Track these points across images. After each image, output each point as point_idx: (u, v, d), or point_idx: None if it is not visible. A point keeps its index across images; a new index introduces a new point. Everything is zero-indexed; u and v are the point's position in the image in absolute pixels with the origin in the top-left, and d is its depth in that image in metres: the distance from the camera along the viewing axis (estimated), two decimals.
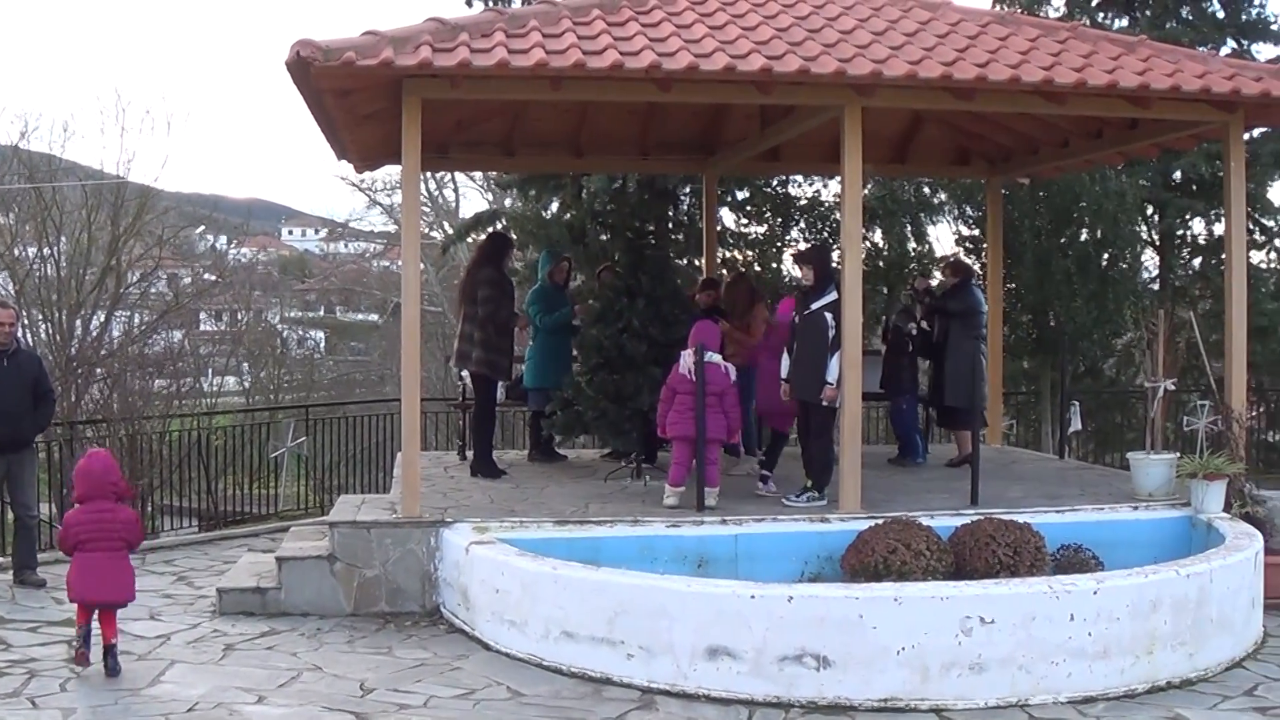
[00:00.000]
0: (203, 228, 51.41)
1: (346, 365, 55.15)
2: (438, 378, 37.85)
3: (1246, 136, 14.11)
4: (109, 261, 31.16)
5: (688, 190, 23.53)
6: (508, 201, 31.04)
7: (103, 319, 30.24)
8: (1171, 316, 15.27)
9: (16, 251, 31.60)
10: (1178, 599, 9.98)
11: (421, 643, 10.90)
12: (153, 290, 34.30)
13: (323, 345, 58.58)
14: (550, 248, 18.04)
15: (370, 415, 22.16)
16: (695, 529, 11.86)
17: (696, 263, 21.22)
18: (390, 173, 36.81)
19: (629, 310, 14.30)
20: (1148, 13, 26.98)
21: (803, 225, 25.77)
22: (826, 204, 25.31)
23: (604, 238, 22.07)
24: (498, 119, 16.71)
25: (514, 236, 21.77)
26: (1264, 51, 27.09)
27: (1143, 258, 27.13)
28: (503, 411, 18.31)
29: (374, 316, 58.51)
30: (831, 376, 12.62)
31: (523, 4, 13.45)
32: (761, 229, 26.03)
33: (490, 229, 24.79)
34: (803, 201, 25.68)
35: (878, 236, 25.52)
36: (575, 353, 15.79)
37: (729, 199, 24.85)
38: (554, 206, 24.95)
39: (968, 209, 25.63)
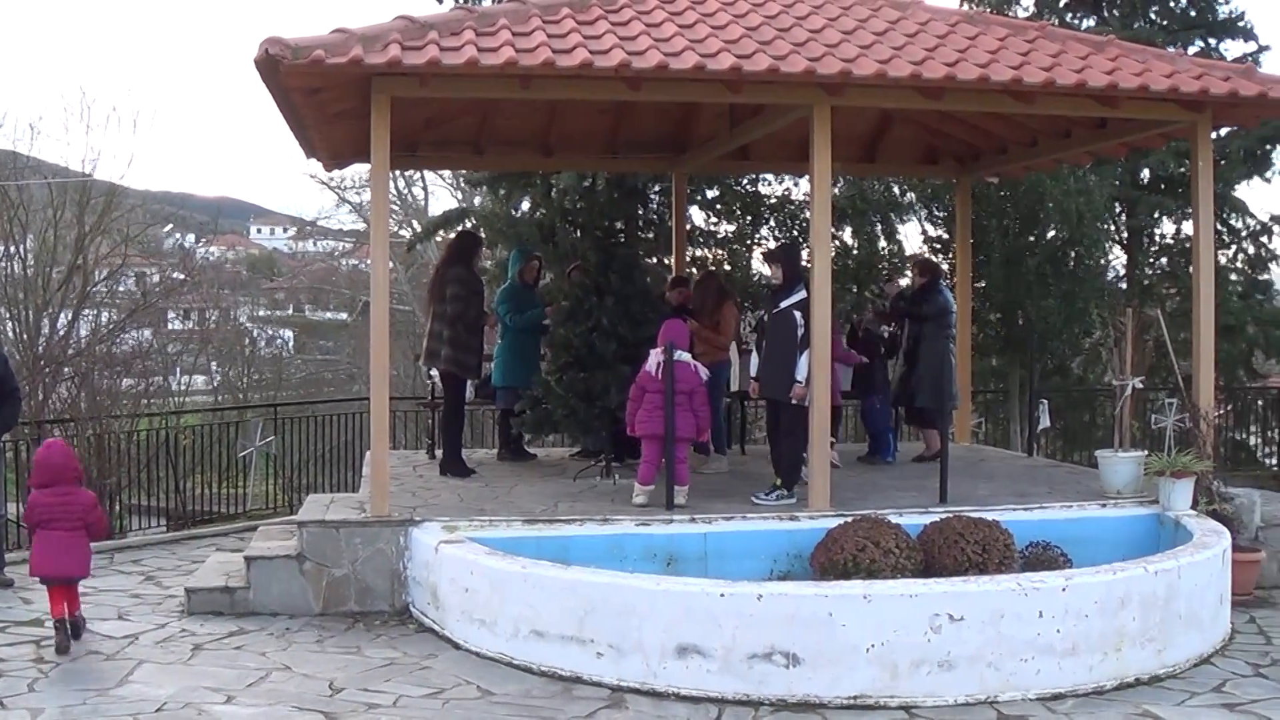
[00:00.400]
0: (170, 226, 51.21)
1: (315, 364, 55.01)
2: (407, 376, 37.78)
3: (1214, 136, 14.14)
4: (76, 260, 31.01)
5: (657, 189, 23.52)
6: (477, 200, 31.00)
7: (70, 318, 30.09)
8: (1139, 315, 15.36)
9: None
10: (1146, 596, 10.01)
11: (391, 642, 10.88)
12: (120, 289, 34.13)
13: (291, 344, 58.38)
14: (521, 247, 18.03)
15: (339, 414, 22.12)
16: (665, 527, 11.86)
17: (666, 261, 21.21)
18: (359, 171, 36.69)
19: (598, 309, 14.31)
20: (1115, 12, 27.09)
21: (772, 224, 25.78)
22: (796, 203, 25.32)
23: (574, 236, 22.05)
24: (467, 117, 16.69)
25: (483, 235, 21.74)
26: (1232, 49, 27.25)
27: (1110, 256, 27.23)
28: (472, 410, 18.29)
29: (343, 315, 58.37)
30: (800, 375, 12.66)
31: (493, 2, 13.43)
32: (731, 228, 26.04)
33: (459, 227, 24.80)
34: (772, 200, 25.69)
35: (847, 235, 25.53)
36: (544, 351, 15.80)
37: (699, 198, 24.85)
38: (524, 205, 24.94)
39: (936, 208, 25.69)
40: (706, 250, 25.72)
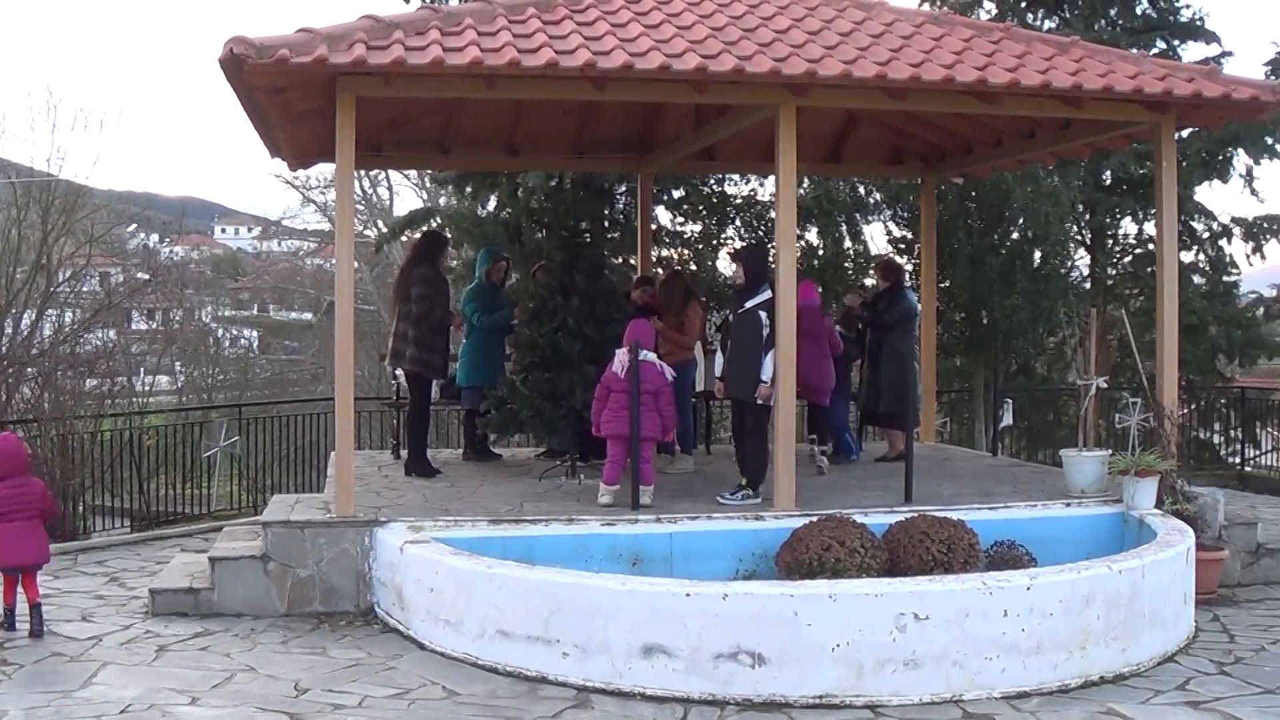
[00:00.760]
0: (135, 225, 51.03)
1: (280, 364, 54.89)
2: (372, 376, 37.73)
3: (1176, 137, 14.20)
4: (39, 259, 30.88)
5: (624, 189, 23.54)
6: (442, 199, 30.96)
7: (33, 318, 29.95)
8: (1103, 315, 15.43)
9: None
10: (1110, 595, 10.05)
11: (356, 643, 10.85)
12: (84, 289, 34.00)
13: (256, 344, 58.26)
14: (489, 247, 18.00)
15: (304, 414, 22.05)
16: (630, 527, 11.87)
17: (632, 261, 21.22)
18: (324, 170, 36.66)
19: (563, 309, 14.30)
20: (1076, 13, 27.17)
21: (738, 224, 25.80)
22: (762, 203, 25.35)
23: (539, 236, 22.04)
24: (432, 117, 16.67)
25: (449, 234, 21.72)
26: (1193, 51, 27.35)
27: (1075, 257, 27.33)
28: (437, 410, 18.26)
29: (308, 315, 58.26)
30: (766, 375, 12.68)
31: (459, 2, 13.42)
32: (697, 228, 26.06)
33: (425, 227, 24.75)
34: (738, 200, 25.72)
35: (813, 235, 25.59)
36: (509, 351, 15.79)
37: (665, 198, 24.86)
38: (490, 204, 24.91)
39: (901, 209, 25.75)
40: (672, 250, 25.73)
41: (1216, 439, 25.77)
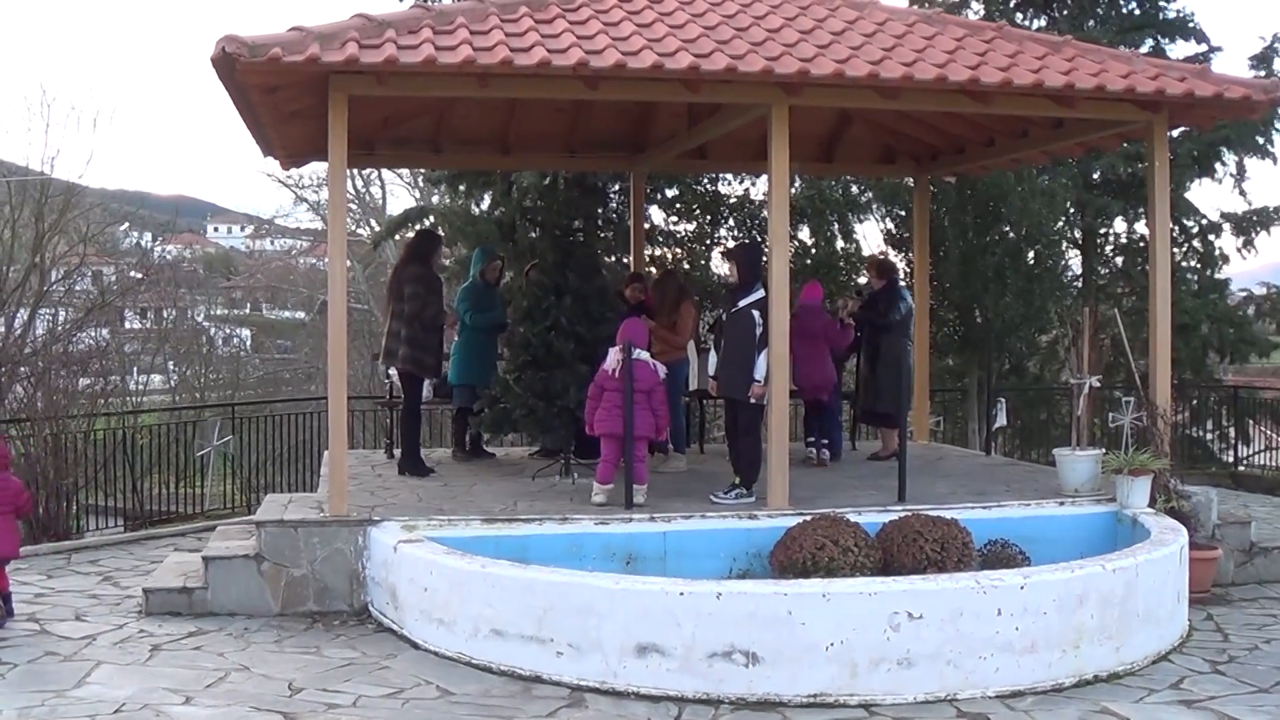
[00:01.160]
0: (128, 224, 51.07)
1: (273, 363, 54.76)
2: (365, 376, 37.68)
3: (1168, 137, 14.22)
4: (33, 258, 30.89)
5: (617, 188, 23.55)
6: (436, 198, 30.94)
7: (26, 316, 29.94)
8: (1096, 314, 15.43)
9: None
10: (1104, 593, 10.06)
11: (350, 642, 10.85)
12: (77, 288, 34.01)
13: (249, 343, 58.18)
14: (483, 246, 17.97)
15: (297, 413, 22.03)
16: (624, 526, 11.87)
17: (625, 260, 21.21)
18: (317, 169, 36.76)
19: (556, 308, 14.30)
20: (1065, 13, 27.17)
21: (731, 223, 25.81)
22: (755, 202, 25.34)
23: (533, 234, 22.03)
24: (425, 116, 16.67)
25: (443, 233, 21.69)
26: (1181, 49, 27.35)
27: (1066, 256, 27.32)
28: (430, 409, 18.26)
29: (300, 314, 58.14)
30: (759, 374, 12.68)
31: (451, 1, 13.42)
32: (690, 227, 26.04)
33: (419, 226, 24.73)
34: (732, 200, 25.72)
35: (805, 235, 25.59)
36: (501, 350, 15.79)
37: (658, 197, 24.87)
38: (483, 203, 24.90)
39: (894, 208, 25.75)
40: (665, 249, 25.73)
41: (1210, 437, 25.80)
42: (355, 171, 35.84)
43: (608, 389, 12.73)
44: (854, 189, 25.81)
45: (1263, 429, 24.92)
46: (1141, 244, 25.76)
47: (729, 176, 25.09)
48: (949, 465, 16.10)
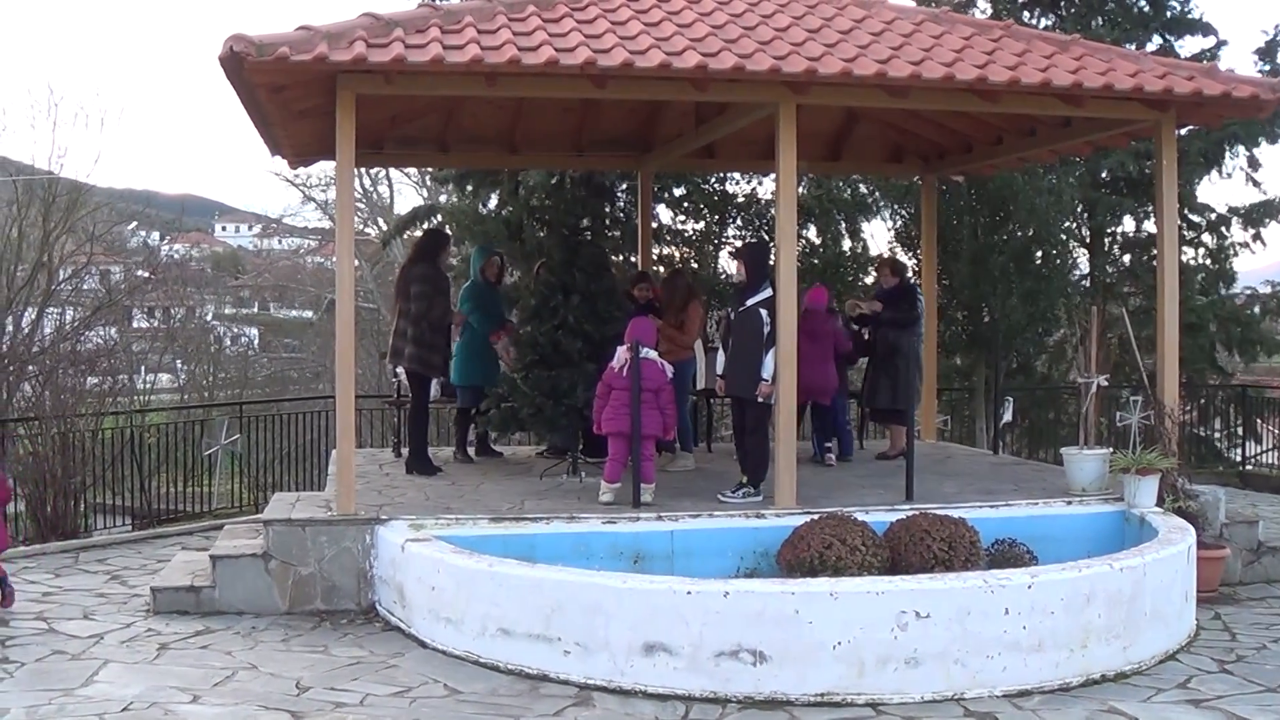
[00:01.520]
0: (135, 224, 51.16)
1: (281, 362, 54.91)
2: (372, 375, 37.73)
3: (1176, 135, 14.19)
4: (40, 258, 30.96)
5: (625, 187, 23.54)
6: (443, 197, 30.95)
7: (34, 316, 30.00)
8: (1103, 313, 15.44)
9: None
10: (1111, 593, 10.05)
11: (357, 641, 10.85)
12: (85, 287, 34.08)
13: (256, 342, 58.30)
14: (480, 244, 17.94)
15: (305, 412, 22.06)
16: (631, 525, 11.86)
17: (633, 259, 21.21)
18: (325, 168, 36.72)
19: (564, 307, 14.30)
20: (1072, 10, 27.14)
21: (739, 222, 25.82)
22: (762, 201, 25.35)
23: (540, 233, 22.03)
24: (432, 115, 16.68)
25: (450, 232, 21.70)
26: (1188, 45, 27.34)
27: (1074, 255, 27.31)
28: (438, 409, 18.25)
29: (308, 313, 58.26)
30: (766, 373, 12.68)
31: (459, 0, 13.43)
32: (698, 226, 26.06)
33: (426, 225, 24.74)
34: (739, 199, 25.72)
35: (813, 234, 25.57)
36: (509, 349, 15.80)
37: (666, 196, 24.87)
38: (491, 202, 24.92)
39: (902, 207, 25.73)
40: (673, 248, 25.75)
41: (1217, 437, 25.78)
42: (363, 170, 35.83)
43: (616, 388, 12.73)
44: (861, 188, 25.80)
45: (1271, 428, 24.90)
46: (1149, 242, 25.73)
47: (736, 175, 25.10)
48: (956, 464, 16.09)
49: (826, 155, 18.49)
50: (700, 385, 16.59)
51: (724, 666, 9.39)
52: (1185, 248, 26.55)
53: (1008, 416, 17.20)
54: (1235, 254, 27.78)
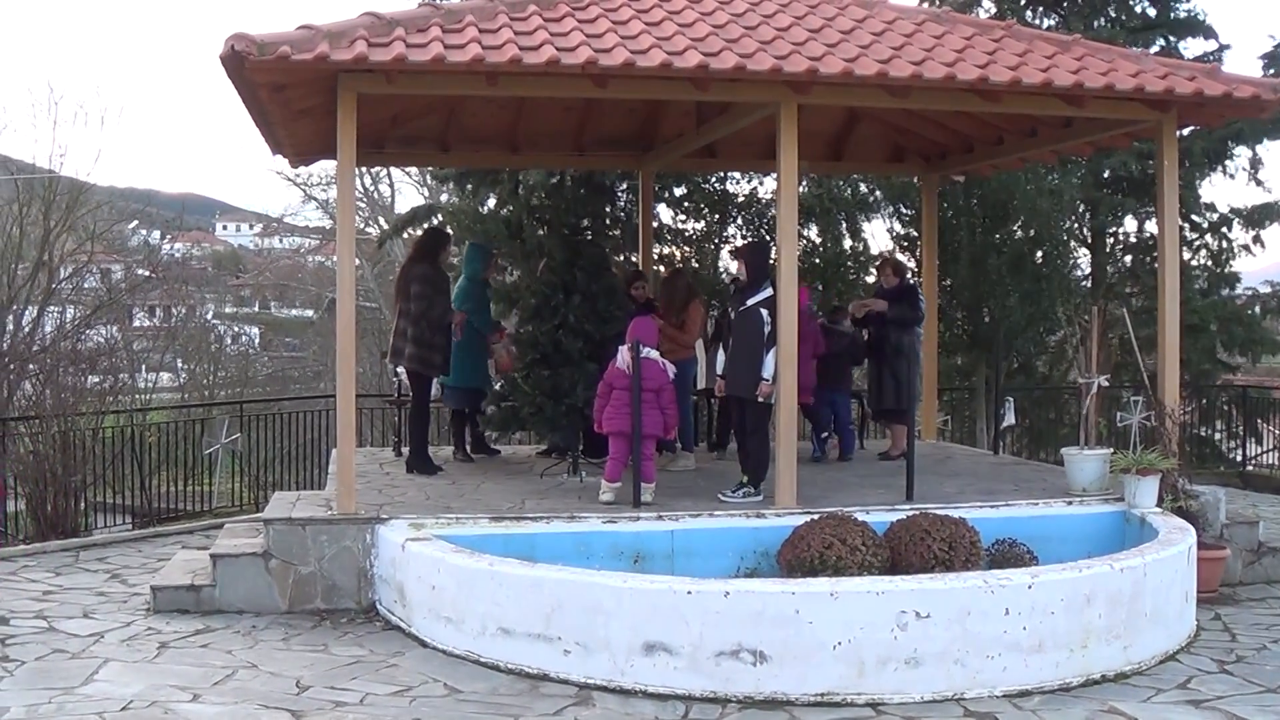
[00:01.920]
0: (136, 222, 51.17)
1: (281, 361, 54.94)
2: (373, 374, 37.75)
3: (1178, 135, 14.19)
4: (41, 256, 30.97)
5: (625, 186, 23.53)
6: (444, 196, 30.95)
7: (35, 314, 30.02)
8: (1104, 313, 15.44)
9: None
10: (1112, 593, 10.05)
11: (358, 640, 10.85)
12: (85, 285, 34.09)
13: (257, 341, 58.31)
14: (478, 244, 17.84)
15: (305, 411, 22.08)
16: (632, 525, 11.86)
17: (633, 259, 21.21)
18: (326, 167, 36.66)
19: (565, 306, 14.31)
20: (1076, 11, 27.14)
21: (740, 222, 25.80)
22: (763, 200, 25.34)
23: (541, 233, 22.03)
24: (433, 114, 16.68)
25: (450, 232, 21.70)
26: (1192, 47, 27.36)
27: (1075, 255, 27.32)
28: (438, 408, 18.26)
29: (309, 312, 58.30)
30: (767, 373, 12.68)
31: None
32: (699, 225, 26.05)
33: (427, 224, 24.74)
34: (740, 198, 25.71)
35: (813, 233, 25.56)
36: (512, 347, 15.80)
37: (666, 195, 24.86)
38: (491, 201, 24.90)
39: (902, 207, 25.73)
40: (674, 248, 25.74)
41: (1218, 436, 25.79)
42: (364, 169, 35.83)
43: (616, 387, 12.73)
44: (862, 188, 25.79)
45: (1272, 428, 24.91)
46: (1151, 243, 25.73)
47: (736, 175, 25.08)
48: (957, 464, 16.09)
49: (828, 155, 18.50)
50: (700, 385, 16.59)
51: (724, 666, 9.39)
52: (1185, 249, 26.53)
53: (1009, 419, 17.16)
54: (1237, 255, 27.81)
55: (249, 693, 9.28)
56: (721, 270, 25.20)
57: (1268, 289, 29.36)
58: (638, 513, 12.15)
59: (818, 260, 24.75)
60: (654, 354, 12.80)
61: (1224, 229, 27.70)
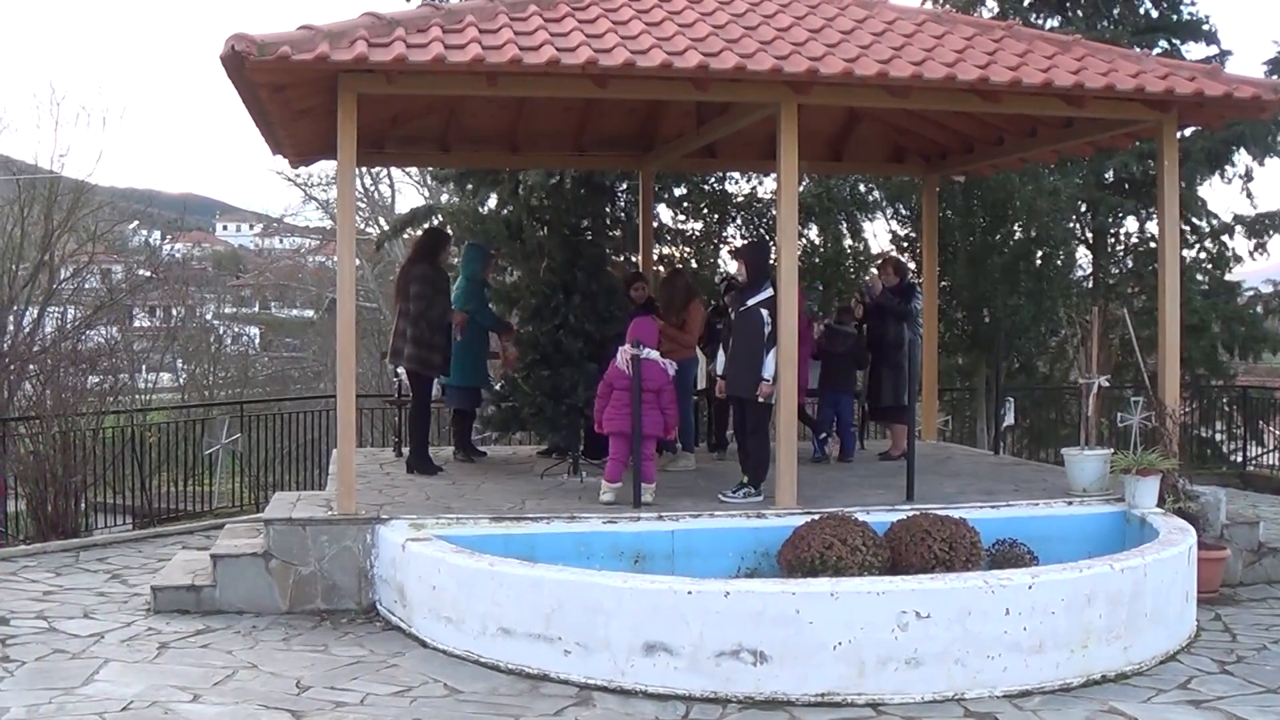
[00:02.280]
0: (136, 223, 51.14)
1: (282, 361, 54.92)
2: (373, 374, 37.73)
3: (1178, 135, 14.19)
4: (42, 256, 30.96)
5: (625, 186, 23.53)
6: (444, 197, 30.94)
7: (36, 314, 30.01)
8: (1105, 314, 15.43)
9: None
10: (1112, 593, 10.04)
11: (358, 640, 10.85)
12: (86, 286, 34.10)
13: (257, 341, 58.30)
14: (476, 244, 17.82)
15: (305, 412, 22.08)
16: (632, 525, 11.86)
17: (634, 259, 21.21)
18: (326, 168, 36.66)
19: (565, 306, 14.31)
20: (1079, 13, 27.15)
21: (739, 222, 25.82)
22: (763, 201, 25.35)
23: (541, 233, 22.03)
24: (434, 115, 16.68)
25: (450, 232, 21.70)
26: (1194, 51, 27.33)
27: (1076, 255, 27.32)
28: (438, 408, 18.26)
29: (309, 312, 58.29)
30: (767, 373, 12.67)
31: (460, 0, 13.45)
32: (698, 225, 26.06)
33: (427, 224, 24.74)
34: (739, 198, 25.72)
35: (814, 233, 25.58)
36: (493, 350, 15.80)
37: (666, 195, 24.86)
38: (491, 202, 24.90)
39: (902, 207, 25.74)
40: (674, 248, 25.74)
41: (1219, 437, 25.79)
42: (364, 169, 35.82)
43: (617, 387, 12.72)
44: (862, 188, 25.80)
45: (1273, 429, 24.90)
46: (1152, 243, 25.73)
47: (736, 175, 25.10)
48: (957, 464, 16.09)
49: (828, 155, 18.49)
50: (700, 385, 16.58)
51: (724, 666, 9.39)
52: (1186, 250, 26.53)
53: (1009, 420, 17.18)
54: (1238, 260, 27.82)
55: (249, 693, 9.28)
56: (721, 270, 25.18)
57: (1269, 289, 29.37)
58: (638, 513, 12.14)
59: (818, 260, 24.75)
60: (654, 354, 12.80)
61: (1224, 236, 27.71)
